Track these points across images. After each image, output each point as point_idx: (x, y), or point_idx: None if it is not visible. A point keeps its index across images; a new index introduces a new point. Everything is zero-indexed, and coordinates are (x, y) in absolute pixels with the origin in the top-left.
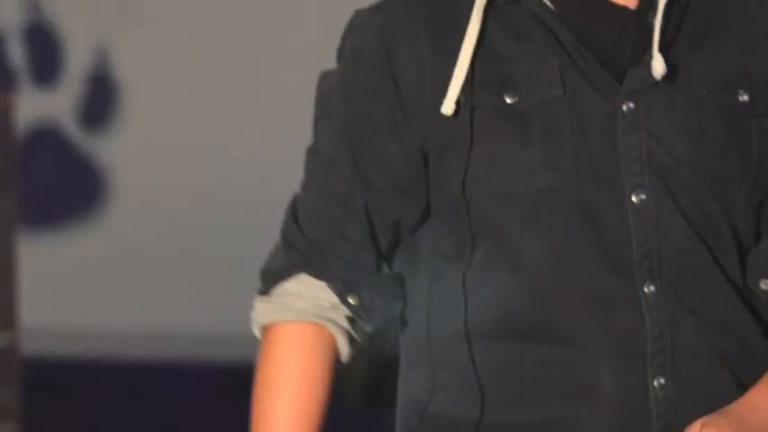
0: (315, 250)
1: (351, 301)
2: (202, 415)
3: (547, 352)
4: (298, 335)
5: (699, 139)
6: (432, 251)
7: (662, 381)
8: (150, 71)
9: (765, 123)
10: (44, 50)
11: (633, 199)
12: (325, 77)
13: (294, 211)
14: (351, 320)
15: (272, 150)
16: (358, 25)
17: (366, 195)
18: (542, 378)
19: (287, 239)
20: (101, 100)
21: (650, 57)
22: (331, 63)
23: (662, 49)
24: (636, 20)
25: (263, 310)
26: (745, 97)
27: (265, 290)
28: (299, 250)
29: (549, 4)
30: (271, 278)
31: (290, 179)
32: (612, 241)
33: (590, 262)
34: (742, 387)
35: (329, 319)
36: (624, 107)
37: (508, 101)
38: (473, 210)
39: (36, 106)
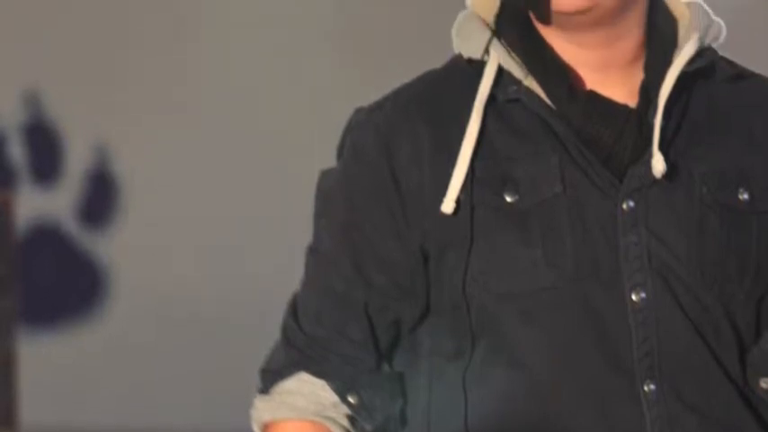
0: (315, 349)
1: (351, 399)
2: None
3: None
4: None
5: (699, 237)
6: (432, 349)
7: None
8: (149, 169)
9: (765, 221)
10: (44, 149)
11: (633, 297)
12: (325, 176)
13: (294, 310)
14: (351, 419)
15: (271, 247)
16: (358, 123)
17: (366, 295)
18: None
19: (287, 338)
20: (100, 198)
21: (650, 155)
22: (332, 157)
23: (662, 147)
24: (636, 118)
25: (264, 408)
26: (745, 195)
27: (265, 388)
28: (298, 349)
29: (549, 102)
30: (270, 377)
31: (290, 275)
32: (613, 339)
33: (590, 360)
34: None
35: (329, 418)
36: (624, 205)
37: (508, 199)
38: (473, 308)
39: (36, 204)
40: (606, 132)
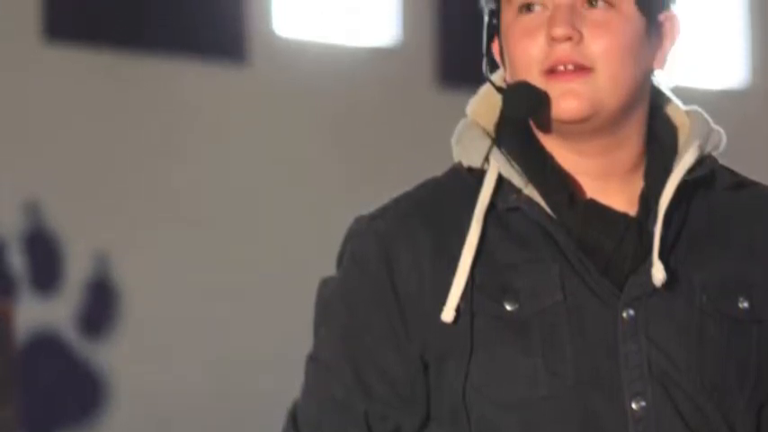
0: None
1: None
2: None
3: None
4: None
5: (699, 346)
6: None
7: None
8: (149, 278)
9: (765, 330)
10: (44, 258)
11: (633, 406)
12: (324, 284)
13: (294, 418)
14: None
15: (271, 355)
16: (358, 232)
17: (366, 403)
18: None
19: None
20: (100, 307)
21: (650, 264)
22: (332, 265)
23: (662, 256)
24: (636, 226)
25: None
26: (746, 304)
27: None
28: None
29: (549, 211)
30: None
31: (290, 383)
32: None
33: None
34: None
35: None
36: (624, 314)
37: (508, 308)
38: (473, 417)
39: (36, 313)
40: (606, 241)
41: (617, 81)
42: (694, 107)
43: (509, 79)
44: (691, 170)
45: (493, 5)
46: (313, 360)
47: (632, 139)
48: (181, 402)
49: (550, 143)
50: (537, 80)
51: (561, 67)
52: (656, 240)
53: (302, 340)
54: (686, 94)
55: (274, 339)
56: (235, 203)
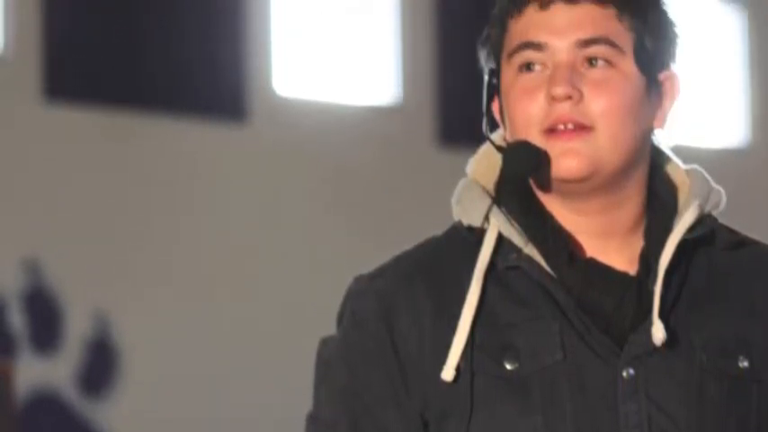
0: None
1: None
2: None
3: None
4: None
5: (699, 405)
6: None
7: None
8: (149, 337)
9: (765, 389)
10: (44, 317)
11: None
12: (324, 344)
13: None
14: None
15: (271, 416)
16: (358, 291)
17: None
18: None
19: None
20: (100, 366)
21: (650, 323)
22: (329, 325)
23: (662, 315)
24: (636, 285)
25: None
26: (746, 363)
27: None
28: None
29: (549, 269)
30: None
31: None
32: None
33: None
34: None
35: None
36: (624, 373)
37: (508, 367)
38: None
39: (36, 372)
40: (606, 300)
41: (617, 140)
42: (694, 166)
43: (509, 138)
44: (691, 229)
45: (493, 65)
46: (313, 419)
47: (632, 198)
48: None
49: (550, 202)
50: (537, 139)
51: (561, 126)
52: (656, 300)
53: (302, 400)
54: (686, 153)
55: (274, 399)
56: (235, 262)
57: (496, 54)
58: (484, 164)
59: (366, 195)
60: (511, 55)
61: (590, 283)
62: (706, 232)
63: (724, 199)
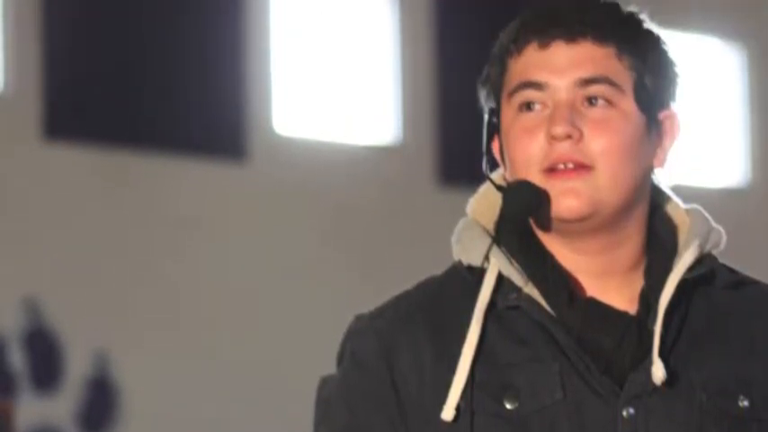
0: None
1: None
2: None
3: None
4: None
5: None
6: None
7: None
8: (149, 374)
9: (765, 428)
10: (44, 356)
11: None
12: (324, 383)
13: None
14: None
15: None
16: (358, 331)
17: None
18: None
19: None
20: (100, 404)
21: (650, 362)
22: (329, 364)
23: (662, 354)
24: (636, 325)
25: None
26: (746, 402)
27: None
28: None
29: (548, 309)
30: None
31: None
32: None
33: None
34: None
35: None
36: (624, 412)
37: (508, 406)
38: None
39: (36, 411)
40: (606, 339)
41: (617, 180)
42: (694, 206)
43: (509, 178)
44: (690, 269)
45: (493, 104)
46: None
47: (632, 237)
48: None
49: (550, 242)
50: (537, 179)
51: (561, 166)
52: (656, 339)
53: None
54: (686, 193)
55: None
56: (234, 301)
57: (496, 93)
58: (484, 203)
59: (366, 235)
60: (511, 94)
61: (590, 323)
62: (706, 272)
63: (724, 238)
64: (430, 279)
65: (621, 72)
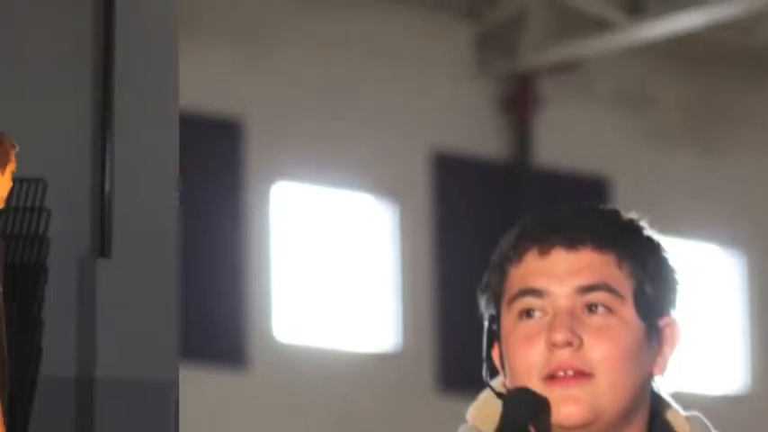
0: None
1: None
2: None
3: None
4: None
5: None
6: None
7: None
8: None
9: None
10: None
11: None
12: None
13: None
14: None
15: None
16: None
17: None
18: None
19: None
20: None
21: None
22: None
23: None
24: None
25: None
26: None
27: None
28: None
29: None
30: None
31: None
32: None
33: None
34: None
35: None
36: None
37: None
38: None
39: None
40: None
41: (617, 387)
42: (694, 413)
43: (509, 384)
44: None
45: (493, 311)
46: None
47: None
48: None
49: None
50: (537, 385)
51: (561, 373)
52: None
53: None
54: (687, 399)
55: None
56: None
57: (496, 300)
58: (484, 410)
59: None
60: (511, 301)
61: None
62: None
63: None
64: None
65: (621, 279)
